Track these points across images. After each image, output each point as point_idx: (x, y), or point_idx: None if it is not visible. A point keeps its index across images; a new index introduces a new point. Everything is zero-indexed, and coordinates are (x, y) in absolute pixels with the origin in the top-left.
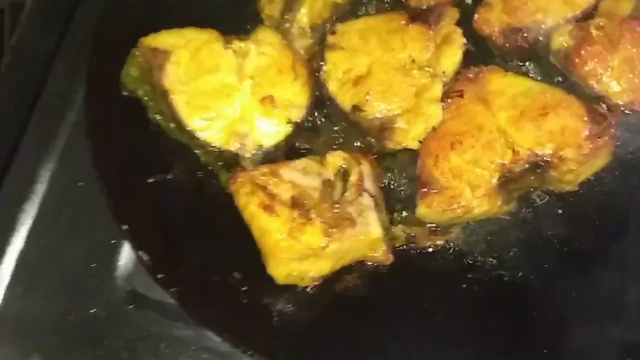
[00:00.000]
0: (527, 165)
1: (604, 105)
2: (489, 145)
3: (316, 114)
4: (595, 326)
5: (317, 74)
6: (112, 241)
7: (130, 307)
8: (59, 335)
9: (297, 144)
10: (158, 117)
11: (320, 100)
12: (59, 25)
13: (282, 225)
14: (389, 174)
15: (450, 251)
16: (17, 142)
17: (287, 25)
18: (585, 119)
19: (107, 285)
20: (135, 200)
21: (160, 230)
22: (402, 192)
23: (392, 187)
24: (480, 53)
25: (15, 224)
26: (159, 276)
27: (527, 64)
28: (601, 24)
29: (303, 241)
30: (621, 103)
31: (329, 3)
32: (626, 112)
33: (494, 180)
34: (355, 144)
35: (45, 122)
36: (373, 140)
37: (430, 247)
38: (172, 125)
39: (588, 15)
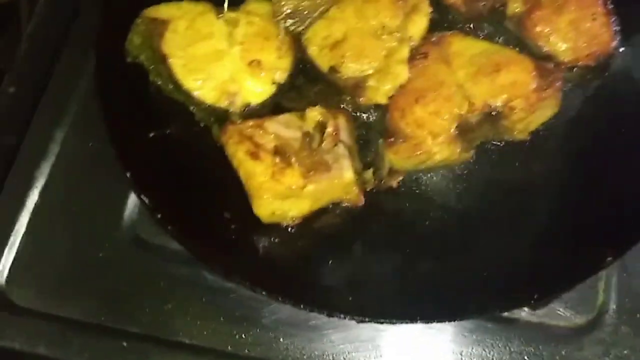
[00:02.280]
0: (482, 116)
1: (552, 64)
2: (448, 98)
3: (298, 75)
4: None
5: (299, 40)
6: (119, 195)
7: (134, 250)
8: (71, 275)
9: (281, 102)
10: (158, 79)
11: (302, 63)
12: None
13: (266, 169)
14: (365, 127)
15: (416, 192)
16: (35, 106)
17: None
18: (534, 74)
19: (114, 231)
20: (138, 151)
21: (160, 177)
22: (374, 144)
23: (366, 139)
24: (445, 20)
25: (32, 179)
26: (158, 216)
27: (486, 28)
28: None
29: (284, 182)
30: (566, 60)
31: None
32: (571, 67)
33: (453, 129)
34: (333, 101)
35: (60, 89)
36: (349, 97)
37: (395, 186)
38: (170, 86)
39: None
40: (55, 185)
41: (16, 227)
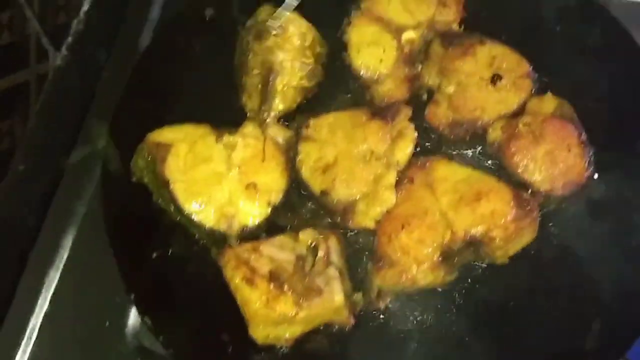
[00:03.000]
0: (463, 244)
1: (529, 191)
2: (432, 227)
3: (292, 193)
4: None
5: (293, 161)
6: (123, 304)
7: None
8: None
9: (276, 221)
10: (160, 201)
11: (296, 184)
12: (81, 99)
13: (260, 296)
14: (354, 248)
15: (403, 312)
16: (42, 216)
17: (265, 114)
18: (512, 204)
19: (118, 341)
20: (140, 272)
21: (162, 298)
22: (363, 264)
23: (355, 259)
24: (430, 143)
25: (42, 288)
26: (160, 338)
27: (468, 151)
28: (528, 121)
29: (277, 310)
30: (542, 189)
31: (298, 88)
32: (547, 197)
33: (436, 257)
34: (325, 221)
35: (66, 202)
36: (338, 219)
37: (383, 307)
38: (171, 208)
39: (518, 112)
40: (64, 294)
41: (27, 334)
